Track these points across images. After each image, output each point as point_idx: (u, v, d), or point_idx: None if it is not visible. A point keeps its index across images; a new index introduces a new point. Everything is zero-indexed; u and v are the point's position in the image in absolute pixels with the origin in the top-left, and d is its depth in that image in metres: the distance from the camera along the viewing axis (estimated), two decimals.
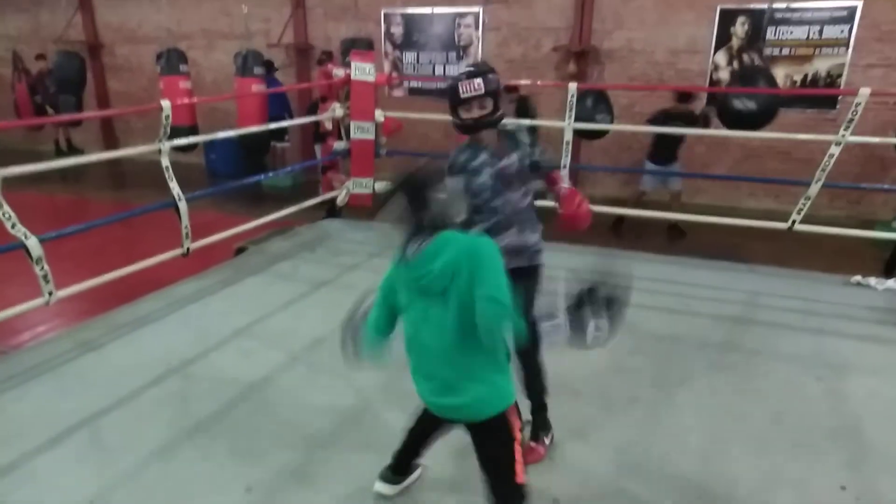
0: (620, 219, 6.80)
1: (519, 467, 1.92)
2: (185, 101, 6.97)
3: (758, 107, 5.57)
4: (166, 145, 3.93)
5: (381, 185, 5.66)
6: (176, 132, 4.23)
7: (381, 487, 2.37)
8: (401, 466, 2.39)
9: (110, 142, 11.77)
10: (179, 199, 3.98)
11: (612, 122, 6.48)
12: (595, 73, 8.22)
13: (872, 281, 4.54)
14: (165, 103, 3.81)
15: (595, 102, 6.46)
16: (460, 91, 2.37)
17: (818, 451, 2.71)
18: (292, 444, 2.70)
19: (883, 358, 3.55)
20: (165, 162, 3.94)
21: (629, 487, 2.45)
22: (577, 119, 5.07)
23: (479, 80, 2.35)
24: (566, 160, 5.04)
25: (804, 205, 4.42)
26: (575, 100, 4.93)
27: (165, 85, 7.58)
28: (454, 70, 9.02)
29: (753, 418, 2.94)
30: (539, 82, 8.39)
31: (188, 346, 3.51)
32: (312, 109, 7.05)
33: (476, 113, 2.39)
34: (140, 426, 2.81)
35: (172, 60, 7.63)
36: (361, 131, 5.45)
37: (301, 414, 2.93)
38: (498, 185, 2.49)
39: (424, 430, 2.24)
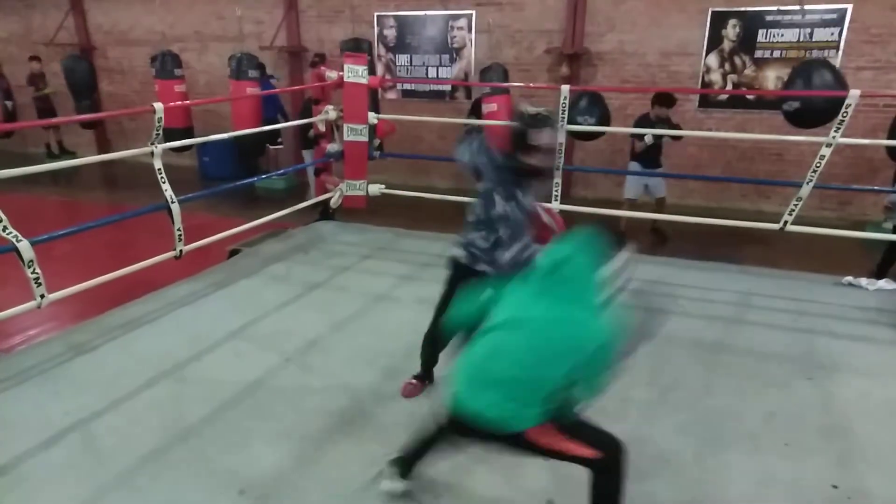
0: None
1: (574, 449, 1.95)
2: (173, 103, 6.94)
3: (803, 105, 5.50)
4: (159, 148, 3.92)
5: (374, 188, 5.67)
6: (171, 135, 4.21)
7: (392, 486, 2.36)
8: (411, 470, 2.37)
9: (102, 144, 11.72)
10: (172, 202, 3.97)
11: (601, 123, 6.49)
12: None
13: (863, 281, 4.57)
14: (158, 105, 3.81)
15: (589, 104, 6.47)
16: (532, 137, 2.42)
17: (810, 451, 2.73)
18: (285, 446, 2.70)
19: (874, 358, 3.57)
20: (158, 164, 3.93)
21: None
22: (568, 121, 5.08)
23: (555, 136, 2.46)
24: (559, 162, 5.05)
25: (795, 206, 4.45)
26: (568, 102, 4.95)
27: (160, 88, 7.57)
28: (447, 73, 9.04)
29: (746, 418, 2.95)
30: (532, 84, 8.41)
31: (181, 349, 3.50)
32: (305, 111, 6.98)
33: (534, 161, 2.47)
34: (133, 429, 2.80)
35: (167, 64, 7.62)
36: (355, 133, 5.46)
37: (294, 416, 2.92)
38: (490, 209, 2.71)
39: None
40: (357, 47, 6.58)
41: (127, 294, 4.16)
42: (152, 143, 3.90)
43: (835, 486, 2.50)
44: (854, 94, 4.12)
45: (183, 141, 4.85)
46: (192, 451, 2.66)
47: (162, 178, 3.95)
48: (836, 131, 4.21)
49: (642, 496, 2.41)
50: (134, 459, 2.58)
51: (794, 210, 4.46)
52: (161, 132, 3.90)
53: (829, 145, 4.26)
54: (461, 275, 2.80)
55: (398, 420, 2.88)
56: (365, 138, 5.53)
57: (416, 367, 3.14)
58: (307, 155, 7.51)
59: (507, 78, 7.53)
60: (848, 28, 7.13)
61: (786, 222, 4.51)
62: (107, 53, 11.36)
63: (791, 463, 2.64)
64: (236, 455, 2.64)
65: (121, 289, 4.01)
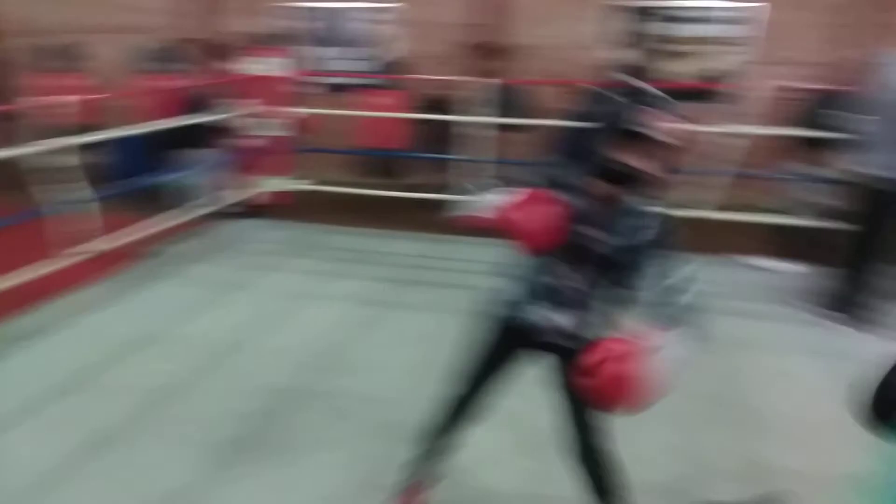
0: None
1: None
2: (77, 98, 6.61)
3: None
4: (55, 145, 3.72)
5: (298, 184, 5.57)
6: (67, 131, 4.03)
7: None
8: None
9: None
10: (82, 201, 3.79)
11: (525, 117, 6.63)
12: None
13: (757, 261, 4.97)
14: (49, 101, 3.62)
15: (510, 97, 6.59)
16: (634, 120, 1.59)
17: (711, 421, 2.93)
18: (203, 452, 2.63)
19: (768, 333, 3.88)
20: (66, 162, 3.73)
21: None
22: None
23: (675, 127, 1.60)
24: (486, 157, 5.13)
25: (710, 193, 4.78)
26: (490, 95, 5.04)
27: (54, 82, 7.17)
28: (367, 66, 8.95)
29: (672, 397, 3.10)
30: (454, 78, 8.47)
31: (94, 355, 3.34)
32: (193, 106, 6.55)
33: (635, 162, 1.61)
34: (41, 442, 2.65)
35: (62, 56, 7.30)
36: (274, 128, 5.34)
37: (215, 419, 2.85)
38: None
39: None
40: (274, 40, 6.45)
41: (35, 299, 3.92)
42: (49, 140, 3.70)
43: (737, 455, 2.69)
44: (760, 85, 4.49)
45: (84, 138, 4.61)
46: (104, 463, 2.54)
47: (76, 176, 3.75)
48: (738, 122, 4.56)
49: None
50: (40, 473, 2.45)
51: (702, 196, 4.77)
52: (59, 128, 3.72)
53: (733, 136, 4.61)
54: None
55: (324, 421, 2.87)
56: (286, 133, 5.43)
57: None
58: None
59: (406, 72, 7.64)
60: (758, 25, 7.50)
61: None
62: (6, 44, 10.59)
63: (692, 435, 2.82)
64: (151, 464, 2.55)
65: (29, 293, 3.77)
